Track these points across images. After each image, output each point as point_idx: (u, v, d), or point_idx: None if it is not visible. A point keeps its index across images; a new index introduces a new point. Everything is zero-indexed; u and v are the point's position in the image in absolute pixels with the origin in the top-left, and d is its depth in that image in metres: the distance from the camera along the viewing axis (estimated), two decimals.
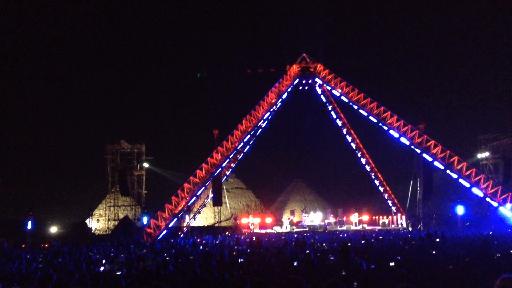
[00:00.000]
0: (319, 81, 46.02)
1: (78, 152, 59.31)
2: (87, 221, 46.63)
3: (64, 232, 43.10)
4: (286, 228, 44.65)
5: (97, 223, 50.14)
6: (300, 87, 46.48)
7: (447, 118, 58.59)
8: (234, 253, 19.25)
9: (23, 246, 31.89)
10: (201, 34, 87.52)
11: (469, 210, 42.25)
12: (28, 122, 61.93)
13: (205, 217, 55.83)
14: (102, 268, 14.38)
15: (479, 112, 58.84)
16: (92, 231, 45.82)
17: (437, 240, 22.78)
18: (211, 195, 43.67)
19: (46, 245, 32.37)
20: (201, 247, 24.07)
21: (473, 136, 49.32)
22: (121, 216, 49.25)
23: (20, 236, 35.42)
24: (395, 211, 49.05)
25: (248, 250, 20.25)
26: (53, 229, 43.02)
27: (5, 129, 58.24)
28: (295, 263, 12.48)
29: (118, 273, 12.66)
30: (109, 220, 49.85)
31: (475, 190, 38.23)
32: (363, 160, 50.10)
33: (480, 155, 47.32)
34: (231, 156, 42.80)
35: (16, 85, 65.10)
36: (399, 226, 45.79)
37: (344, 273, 9.13)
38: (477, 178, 38.16)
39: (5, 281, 7.17)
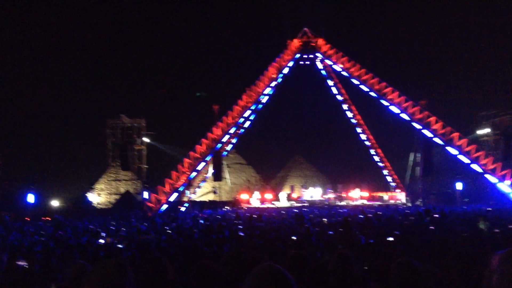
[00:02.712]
0: (320, 56, 45.63)
1: (78, 126, 59.18)
2: (88, 195, 46.96)
3: (65, 206, 43.40)
4: (285, 202, 44.93)
5: (98, 197, 50.48)
6: (301, 62, 46.10)
7: (448, 94, 58.19)
8: (234, 227, 19.40)
9: (27, 219, 32.16)
10: (201, 5, 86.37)
11: (469, 186, 42.43)
12: (28, 96, 61.74)
13: (205, 192, 56.10)
14: (102, 241, 14.52)
15: (480, 89, 58.47)
16: (93, 205, 46.19)
17: (436, 215, 22.93)
18: (211, 170, 43.89)
19: (48, 218, 32.64)
20: (201, 221, 24.26)
21: (473, 112, 49.19)
22: (122, 190, 49.56)
23: (21, 209, 35.70)
24: (394, 186, 49.26)
25: (248, 224, 20.40)
26: (55, 203, 43.31)
27: (5, 104, 58.07)
28: (293, 237, 12.57)
29: (119, 246, 12.78)
30: (110, 194, 50.20)
31: (474, 166, 38.34)
32: (363, 136, 50.09)
33: (480, 132, 47.29)
34: (231, 132, 42.83)
35: (16, 60, 64.62)
36: (398, 202, 46.04)
37: (340, 247, 9.21)
38: (477, 154, 38.23)
39: (7, 253, 7.27)
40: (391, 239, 11.29)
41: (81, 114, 61.35)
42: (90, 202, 44.27)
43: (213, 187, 46.28)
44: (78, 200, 45.27)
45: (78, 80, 66.51)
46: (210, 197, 53.56)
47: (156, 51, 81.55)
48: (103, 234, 16.71)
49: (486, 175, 38.22)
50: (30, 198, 35.71)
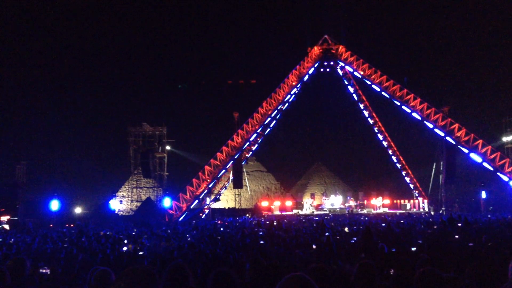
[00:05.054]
0: (341, 63, 45.47)
1: (101, 134, 60.05)
2: (110, 202, 47.44)
3: (88, 213, 43.95)
4: (307, 210, 44.66)
5: (120, 204, 50.98)
6: (322, 70, 46.00)
7: (471, 101, 57.29)
8: (254, 235, 19.36)
9: (51, 226, 32.68)
10: (222, 13, 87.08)
11: (493, 194, 41.56)
12: (52, 105, 62.90)
13: (225, 200, 56.23)
14: (125, 248, 14.64)
15: (504, 95, 57.36)
16: (116, 212, 46.65)
17: (459, 224, 22.53)
18: (231, 178, 43.95)
19: (71, 225, 33.11)
20: (222, 229, 24.30)
21: (498, 119, 48.22)
22: (143, 197, 50.00)
23: (45, 216, 36.26)
24: (417, 195, 48.57)
25: (268, 232, 20.33)
26: (78, 210, 43.90)
27: (30, 113, 59.34)
28: (313, 246, 12.50)
29: (141, 253, 12.87)
30: (131, 201, 50.67)
31: (499, 174, 37.58)
32: (385, 143, 49.60)
33: (505, 139, 46.28)
34: (251, 139, 42.86)
35: (40, 69, 66.06)
36: (421, 210, 45.33)
37: (363, 255, 9.11)
38: (501, 162, 37.47)
39: (31, 260, 7.39)
40: (414, 249, 11.14)
41: (103, 122, 62.32)
42: (113, 209, 44.69)
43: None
44: (101, 207, 45.77)
45: (101, 89, 67.58)
46: (230, 204, 53.68)
47: (177, 59, 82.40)
48: (125, 241, 16.85)
49: (511, 183, 37.41)
50: (54, 205, 36.24)
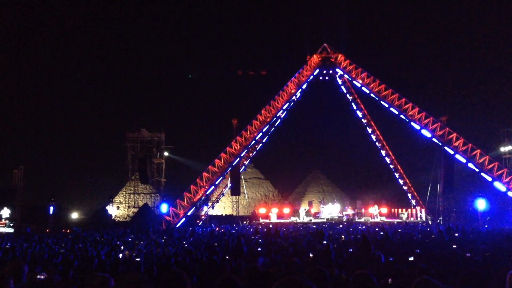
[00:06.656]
0: (339, 72, 45.60)
1: (99, 140, 60.07)
2: (107, 208, 47.34)
3: (85, 218, 43.85)
4: (303, 218, 44.56)
5: (117, 210, 50.80)
6: (321, 78, 46.12)
7: (469, 111, 57.51)
8: (251, 242, 19.32)
9: (47, 231, 32.59)
10: (222, 21, 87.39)
11: (491, 204, 41.56)
12: (50, 109, 62.92)
13: (223, 207, 56.16)
14: (121, 255, 14.59)
15: (503, 105, 57.57)
16: (112, 218, 46.49)
17: (456, 234, 22.52)
18: (229, 185, 43.88)
19: (68, 231, 33.01)
20: (219, 237, 24.23)
21: (496, 129, 48.35)
22: (140, 203, 49.82)
23: (42, 221, 36.19)
24: (414, 204, 48.52)
25: (265, 240, 20.28)
26: (74, 215, 43.82)
27: (28, 117, 59.33)
28: (310, 255, 12.46)
29: (137, 259, 12.83)
30: (128, 207, 50.48)
31: (497, 184, 37.60)
32: (383, 152, 49.61)
33: (503, 149, 46.35)
34: (249, 146, 42.85)
35: (39, 75, 66.13)
36: (419, 219, 45.27)
37: (360, 265, 9.09)
38: (499, 172, 37.49)
39: (28, 264, 7.37)
40: (412, 259, 11.13)
41: (101, 127, 62.33)
42: (109, 215, 44.57)
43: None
44: (98, 212, 45.66)
45: (100, 95, 67.65)
46: (228, 211, 53.54)
47: (176, 66, 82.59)
48: (122, 248, 16.79)
49: (509, 193, 37.41)
50: (51, 210, 36.19)
